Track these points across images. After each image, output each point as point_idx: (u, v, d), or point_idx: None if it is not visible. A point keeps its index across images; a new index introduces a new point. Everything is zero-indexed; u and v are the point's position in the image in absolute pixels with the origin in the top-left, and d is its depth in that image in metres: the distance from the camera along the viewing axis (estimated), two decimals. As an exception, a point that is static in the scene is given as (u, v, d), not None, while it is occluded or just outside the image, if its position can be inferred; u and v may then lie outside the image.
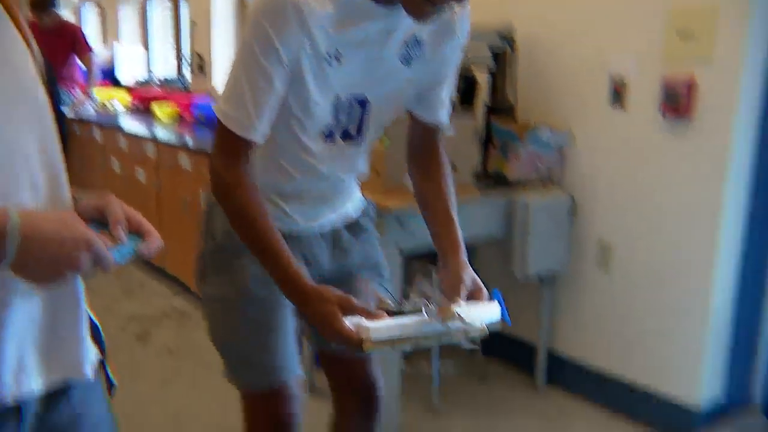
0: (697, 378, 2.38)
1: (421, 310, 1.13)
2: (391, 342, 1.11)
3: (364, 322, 1.10)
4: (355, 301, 1.12)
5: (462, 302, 1.18)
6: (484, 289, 1.25)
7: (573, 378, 2.76)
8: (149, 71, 5.75)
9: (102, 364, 0.97)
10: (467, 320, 1.12)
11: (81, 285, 0.91)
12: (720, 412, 2.44)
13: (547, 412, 2.67)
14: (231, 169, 1.23)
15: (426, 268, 2.78)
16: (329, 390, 1.61)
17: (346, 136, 1.32)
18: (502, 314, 1.21)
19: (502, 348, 2.96)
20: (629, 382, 2.57)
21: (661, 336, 2.46)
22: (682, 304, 2.38)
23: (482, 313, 1.17)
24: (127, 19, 5.96)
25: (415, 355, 3.01)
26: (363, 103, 1.30)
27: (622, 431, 2.52)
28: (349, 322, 1.10)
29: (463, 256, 1.29)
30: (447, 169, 1.41)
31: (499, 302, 1.22)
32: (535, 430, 2.56)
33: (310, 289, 1.15)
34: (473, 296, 1.23)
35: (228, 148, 1.23)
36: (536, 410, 2.69)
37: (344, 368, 1.55)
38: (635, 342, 2.54)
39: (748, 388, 2.45)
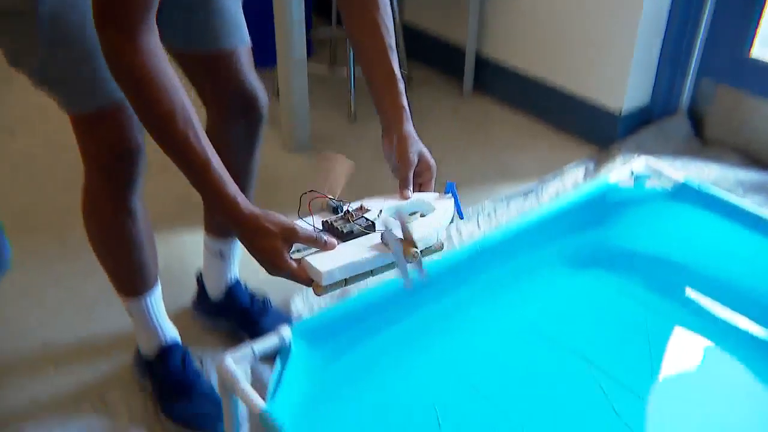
0: (623, 84, 2.24)
1: (372, 226, 1.01)
2: (343, 282, 0.96)
3: (315, 260, 0.94)
4: (299, 230, 0.93)
5: (411, 195, 1.06)
6: (433, 164, 1.08)
7: (499, 83, 2.62)
8: None
9: None
10: (425, 244, 0.99)
11: None
12: (646, 117, 2.35)
13: (473, 117, 2.57)
14: (131, 39, 0.87)
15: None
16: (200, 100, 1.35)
17: None
18: (456, 209, 1.08)
19: (428, 52, 2.78)
20: (556, 87, 2.43)
21: (590, 40, 2.27)
22: (615, 6, 2.17)
23: (437, 222, 1.03)
24: None
25: (330, 59, 2.83)
26: None
27: (544, 137, 2.45)
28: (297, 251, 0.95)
29: (408, 125, 1.07)
30: None
31: (453, 195, 1.08)
32: (460, 134, 2.47)
33: (248, 218, 0.92)
34: (421, 177, 1.09)
35: (122, 7, 0.86)
36: (461, 115, 2.58)
37: (214, 78, 1.30)
38: (564, 46, 2.36)
39: (676, 95, 2.33)
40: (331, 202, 1.05)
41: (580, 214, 1.65)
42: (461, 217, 1.11)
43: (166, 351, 1.39)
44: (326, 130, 2.49)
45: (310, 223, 1.02)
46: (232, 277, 1.54)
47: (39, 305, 1.67)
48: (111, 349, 1.53)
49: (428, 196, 1.11)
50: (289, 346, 1.19)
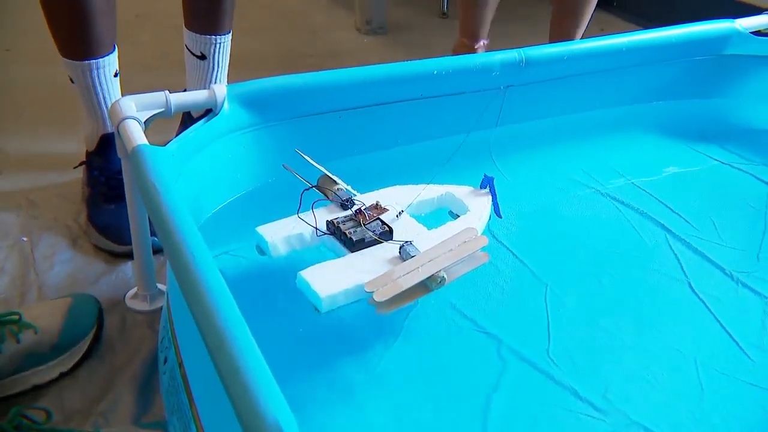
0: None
1: (389, 233, 0.80)
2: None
3: (314, 278, 0.73)
4: None
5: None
6: None
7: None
8: None
9: None
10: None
11: None
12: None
13: None
14: None
15: None
16: None
17: None
18: (494, 206, 0.91)
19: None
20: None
21: None
22: None
23: (471, 225, 0.83)
24: None
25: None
26: None
27: None
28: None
29: None
30: None
31: (491, 190, 0.91)
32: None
33: None
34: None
35: None
36: None
37: None
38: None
39: None
40: (338, 196, 0.84)
41: (686, 69, 1.23)
42: (499, 216, 0.93)
43: (108, 141, 1.09)
44: (410, 19, 2.17)
45: (311, 224, 0.81)
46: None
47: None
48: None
49: (460, 191, 0.91)
50: (220, 105, 0.86)
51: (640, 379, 0.76)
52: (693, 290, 0.89)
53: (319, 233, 0.80)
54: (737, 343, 0.82)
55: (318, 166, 0.83)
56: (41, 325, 0.78)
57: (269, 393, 0.44)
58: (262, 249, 0.79)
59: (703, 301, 0.88)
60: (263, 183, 0.92)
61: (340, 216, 0.81)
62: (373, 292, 0.70)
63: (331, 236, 0.80)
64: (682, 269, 0.93)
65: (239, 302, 0.52)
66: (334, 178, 0.84)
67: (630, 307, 0.86)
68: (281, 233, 0.79)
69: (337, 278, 0.72)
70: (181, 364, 0.63)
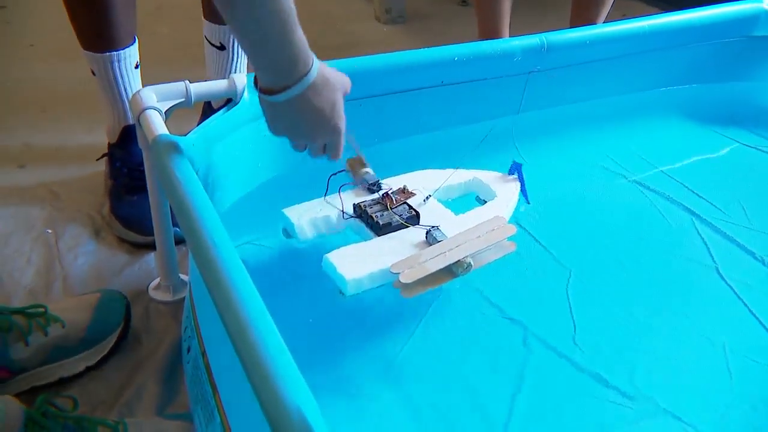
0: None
1: (416, 217, 0.80)
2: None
3: (340, 261, 0.73)
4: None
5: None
6: None
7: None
8: None
9: None
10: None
11: None
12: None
13: None
14: None
15: None
16: None
17: None
18: (522, 192, 0.91)
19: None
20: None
21: None
22: None
23: (499, 212, 0.83)
24: None
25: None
26: None
27: None
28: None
29: None
30: None
31: (519, 177, 0.91)
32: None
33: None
34: None
35: None
36: None
37: None
38: None
39: None
40: (365, 179, 0.84)
41: (713, 52, 1.21)
42: (527, 202, 0.93)
43: (130, 132, 1.09)
44: (429, 8, 2.16)
45: (337, 206, 0.81)
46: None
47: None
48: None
49: (488, 176, 0.91)
50: (240, 95, 0.86)
51: (667, 366, 0.75)
52: (721, 276, 0.88)
53: (345, 216, 0.79)
54: (767, 330, 0.80)
55: (354, 145, 0.82)
56: (69, 318, 0.79)
57: (292, 381, 0.44)
58: (288, 231, 0.79)
59: (731, 287, 0.86)
60: (284, 172, 0.91)
61: (367, 199, 0.81)
62: (398, 273, 0.69)
63: (357, 219, 0.80)
64: (710, 254, 0.91)
65: (262, 292, 0.51)
66: (364, 159, 0.84)
67: (656, 293, 0.85)
68: (308, 215, 0.79)
69: (363, 261, 0.72)
70: (204, 354, 0.63)
